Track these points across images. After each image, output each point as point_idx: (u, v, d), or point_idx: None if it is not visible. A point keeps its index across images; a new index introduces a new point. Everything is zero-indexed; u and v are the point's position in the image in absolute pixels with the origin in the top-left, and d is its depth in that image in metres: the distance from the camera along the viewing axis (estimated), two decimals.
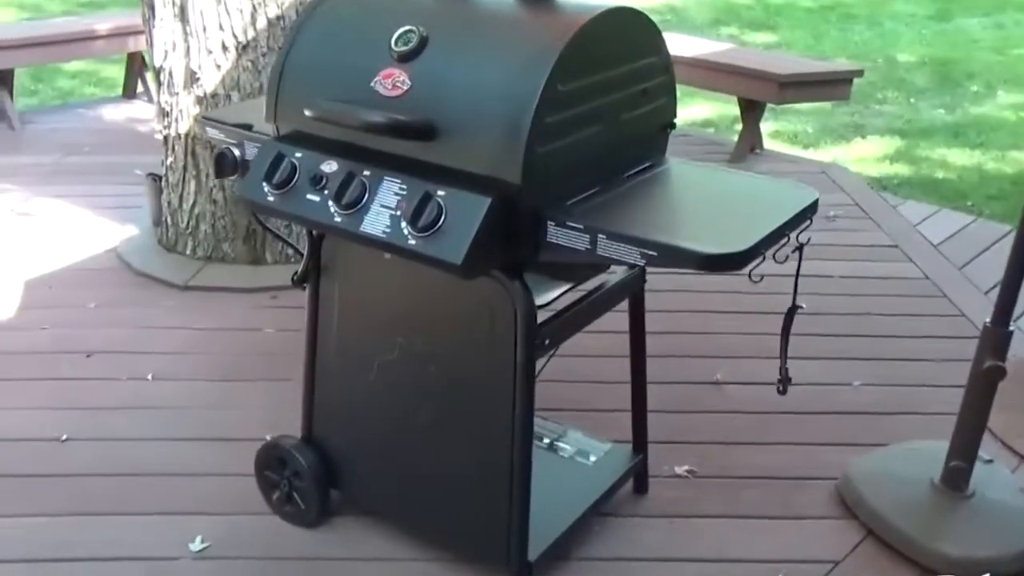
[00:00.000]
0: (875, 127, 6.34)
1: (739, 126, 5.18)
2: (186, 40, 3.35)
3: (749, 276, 1.59)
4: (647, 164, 1.92)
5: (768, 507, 2.39)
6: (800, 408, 2.76)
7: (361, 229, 1.71)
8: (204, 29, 3.31)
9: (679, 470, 2.50)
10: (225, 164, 2.03)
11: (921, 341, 3.22)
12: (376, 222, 1.69)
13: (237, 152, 2.02)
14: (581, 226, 1.64)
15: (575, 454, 2.33)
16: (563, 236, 1.67)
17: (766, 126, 6.25)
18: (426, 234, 1.63)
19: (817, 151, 5.94)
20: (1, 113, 5.31)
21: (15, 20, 8.38)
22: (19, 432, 2.59)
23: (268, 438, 2.29)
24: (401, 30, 1.75)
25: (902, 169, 5.47)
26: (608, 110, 1.77)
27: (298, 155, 1.82)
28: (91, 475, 2.43)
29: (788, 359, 1.89)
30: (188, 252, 3.62)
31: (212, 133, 2.11)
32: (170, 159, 3.56)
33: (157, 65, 3.45)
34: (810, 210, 1.76)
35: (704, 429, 2.69)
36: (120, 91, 6.10)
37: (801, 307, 1.82)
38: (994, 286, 2.89)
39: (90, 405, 2.72)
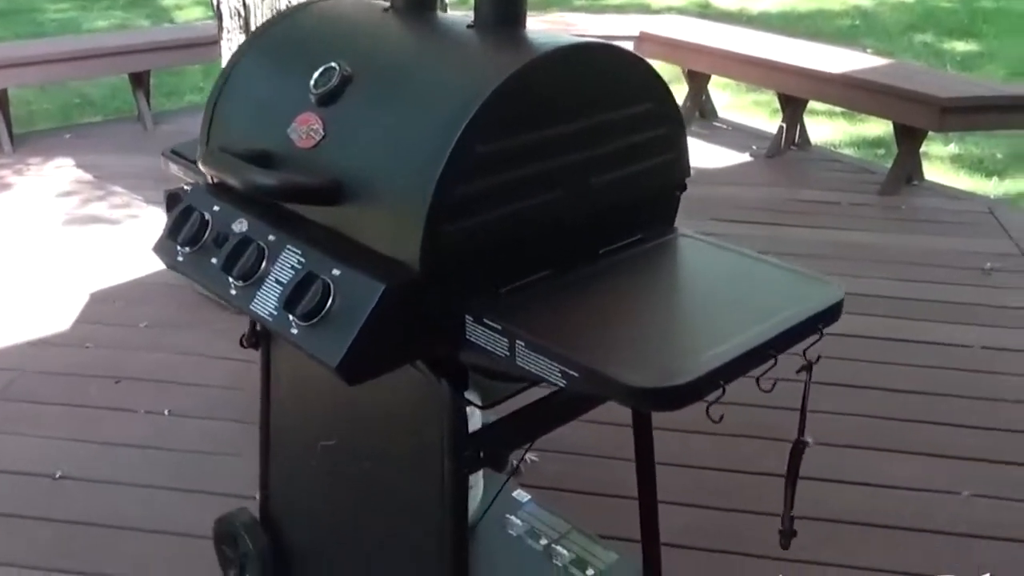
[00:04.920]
0: None
1: (922, 148, 4.55)
2: None
3: (707, 413, 1.17)
4: (636, 238, 1.52)
5: None
6: (884, 520, 2.26)
7: (251, 307, 1.42)
8: None
9: None
10: (175, 206, 1.80)
11: None
12: (266, 300, 1.39)
13: None
14: (499, 327, 1.28)
15: (571, 563, 1.96)
16: (482, 336, 1.31)
17: (946, 149, 5.53)
18: (308, 323, 1.32)
19: (1003, 181, 5.17)
20: (138, 115, 5.43)
21: (202, 18, 8.67)
22: (14, 463, 2.49)
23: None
24: (323, 67, 1.45)
25: None
26: (568, 173, 1.39)
27: (215, 208, 1.55)
28: (71, 522, 2.28)
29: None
30: None
31: (173, 169, 1.88)
32: None
33: None
34: (823, 316, 1.31)
35: (750, 537, 2.22)
36: None
37: (807, 443, 1.37)
38: None
39: (98, 438, 2.59)
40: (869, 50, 6.19)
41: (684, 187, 1.58)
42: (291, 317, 1.32)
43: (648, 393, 1.12)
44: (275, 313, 1.36)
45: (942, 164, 5.33)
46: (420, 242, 1.26)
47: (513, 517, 2.04)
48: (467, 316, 1.33)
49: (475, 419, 1.62)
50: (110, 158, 4.89)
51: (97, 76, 5.98)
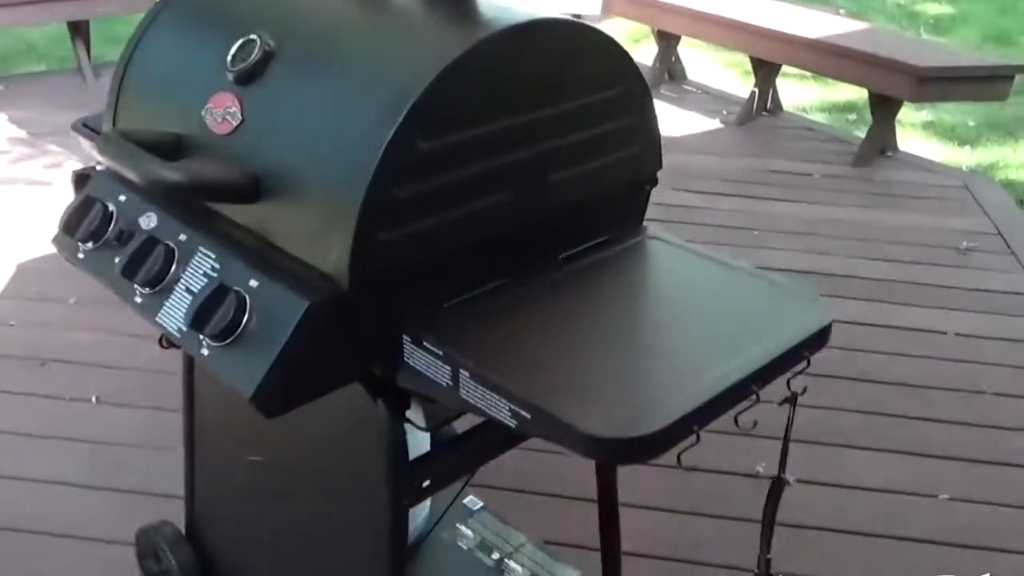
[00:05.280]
0: None
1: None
2: None
3: (678, 461, 1.01)
4: (600, 239, 1.35)
5: None
6: (855, 525, 2.14)
7: (157, 318, 1.23)
8: None
9: None
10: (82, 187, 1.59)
11: None
12: (175, 313, 1.21)
13: None
14: (440, 352, 1.11)
15: None
16: (421, 360, 1.14)
17: (919, 115, 5.39)
18: (220, 343, 1.13)
19: (975, 151, 5.05)
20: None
21: None
22: None
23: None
24: (242, 40, 1.25)
25: None
26: (523, 169, 1.21)
27: (121, 199, 1.35)
28: None
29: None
30: None
31: (85, 146, 1.66)
32: None
33: None
34: (810, 343, 1.15)
35: (726, 544, 2.09)
36: None
37: (787, 481, 1.22)
38: None
39: (19, 429, 2.39)
40: (842, 11, 6.01)
41: (655, 181, 1.40)
42: (201, 336, 1.14)
43: (610, 444, 0.95)
44: (184, 328, 1.17)
45: (915, 130, 5.20)
46: (349, 252, 1.07)
47: (463, 527, 1.88)
48: (405, 336, 1.15)
49: (424, 441, 1.46)
50: (46, 113, 4.59)
51: (30, 23, 5.61)
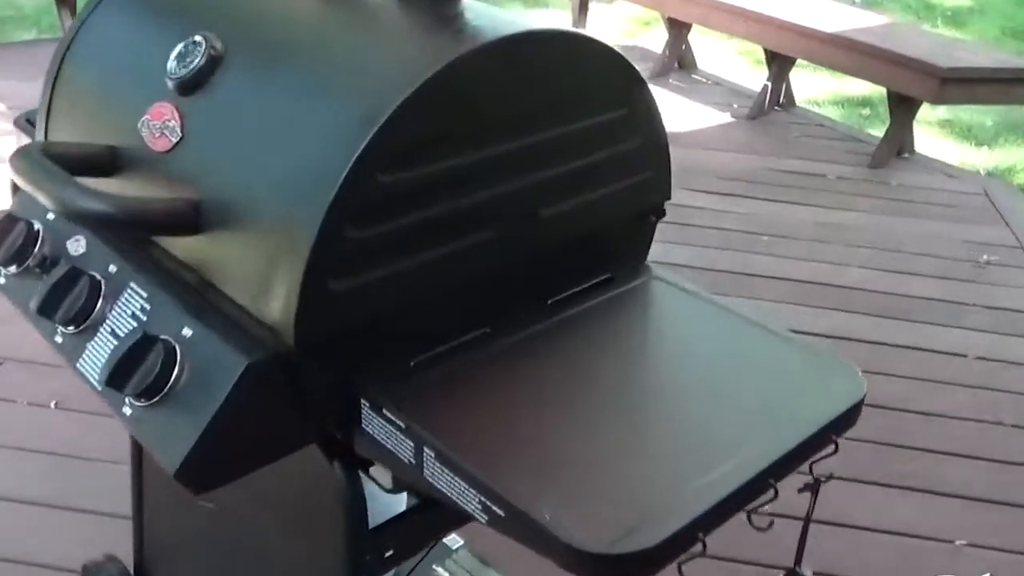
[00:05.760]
0: None
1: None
2: None
3: (679, 571, 0.84)
4: (599, 279, 1.18)
5: None
6: (863, 574, 1.98)
7: (77, 364, 1.06)
8: None
9: None
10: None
11: None
12: (96, 360, 1.04)
13: None
14: (401, 424, 0.94)
15: None
16: (381, 430, 0.97)
17: (935, 113, 5.20)
18: (145, 403, 0.96)
19: (992, 151, 4.87)
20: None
21: None
22: None
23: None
24: (185, 42, 1.07)
25: None
26: (508, 205, 1.04)
27: (49, 218, 1.18)
28: None
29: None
30: None
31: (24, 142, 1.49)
32: None
33: None
34: (839, 423, 0.98)
35: None
36: None
37: (803, 575, 1.05)
38: None
39: None
40: (858, 1, 5.80)
41: (662, 213, 1.23)
42: (122, 394, 0.97)
43: (597, 560, 0.78)
44: (104, 380, 1.00)
45: (930, 128, 5.01)
46: (296, 305, 0.90)
47: (439, 568, 1.72)
48: (362, 399, 0.98)
49: (394, 502, 1.29)
50: (26, 86, 4.38)
51: None
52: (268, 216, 0.94)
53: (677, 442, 0.92)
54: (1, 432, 2.25)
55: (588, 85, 1.07)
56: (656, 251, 1.24)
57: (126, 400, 0.97)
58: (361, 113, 0.90)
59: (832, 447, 0.95)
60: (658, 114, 1.16)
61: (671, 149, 1.20)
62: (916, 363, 2.69)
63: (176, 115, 1.05)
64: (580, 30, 1.03)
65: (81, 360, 1.05)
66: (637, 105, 1.13)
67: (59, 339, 1.08)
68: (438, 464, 0.90)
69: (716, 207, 3.57)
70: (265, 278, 0.93)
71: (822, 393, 0.99)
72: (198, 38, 1.06)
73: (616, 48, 1.06)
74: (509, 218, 1.04)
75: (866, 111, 5.29)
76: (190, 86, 1.04)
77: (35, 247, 1.16)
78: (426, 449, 0.91)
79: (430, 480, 0.92)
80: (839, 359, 1.05)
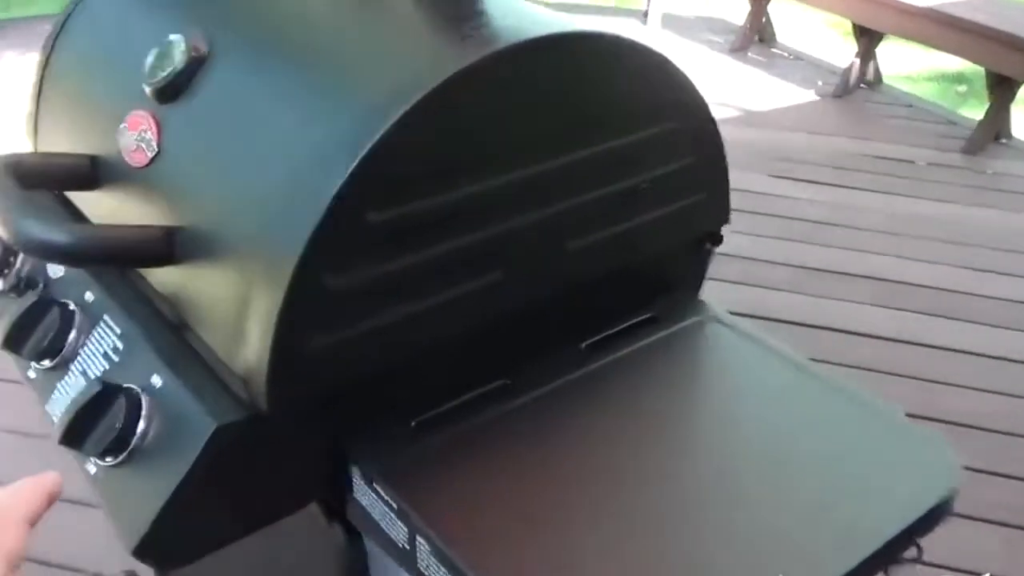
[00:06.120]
0: None
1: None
2: None
3: None
4: (642, 317, 1.01)
5: None
6: None
7: (46, 406, 0.94)
8: None
9: None
10: None
11: None
12: (62, 401, 0.92)
13: None
14: (394, 505, 0.79)
15: None
16: (372, 503, 0.83)
17: None
18: (108, 463, 0.84)
19: None
20: None
21: None
22: None
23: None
24: (163, 42, 0.93)
25: None
26: (530, 238, 0.88)
27: None
28: None
29: None
30: None
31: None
32: None
33: None
34: (924, 522, 0.80)
35: None
36: None
37: None
38: None
39: None
40: None
41: (719, 239, 1.06)
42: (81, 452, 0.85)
43: None
44: (60, 441, 0.88)
45: None
46: (267, 362, 0.76)
47: None
48: (353, 467, 0.84)
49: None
50: (29, 61, 4.32)
51: None
52: (242, 255, 0.80)
53: (727, 550, 0.75)
54: (23, 424, 2.18)
55: (634, 96, 0.91)
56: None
57: (88, 454, 0.85)
58: (345, 137, 0.75)
59: (915, 550, 0.78)
60: (715, 126, 0.99)
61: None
62: (997, 376, 2.46)
63: (153, 125, 0.91)
64: (616, 31, 0.86)
65: (51, 400, 0.93)
66: (691, 117, 0.96)
67: (32, 374, 0.97)
68: (432, 559, 0.76)
69: (799, 195, 3.33)
70: (238, 327, 0.80)
71: (910, 481, 0.81)
72: (176, 36, 0.92)
73: (662, 53, 0.89)
74: (531, 254, 0.89)
75: (962, 88, 4.95)
76: (168, 92, 0.91)
77: (12, 268, 1.05)
78: (419, 538, 0.77)
79: (423, 571, 0.78)
80: (929, 434, 0.87)
